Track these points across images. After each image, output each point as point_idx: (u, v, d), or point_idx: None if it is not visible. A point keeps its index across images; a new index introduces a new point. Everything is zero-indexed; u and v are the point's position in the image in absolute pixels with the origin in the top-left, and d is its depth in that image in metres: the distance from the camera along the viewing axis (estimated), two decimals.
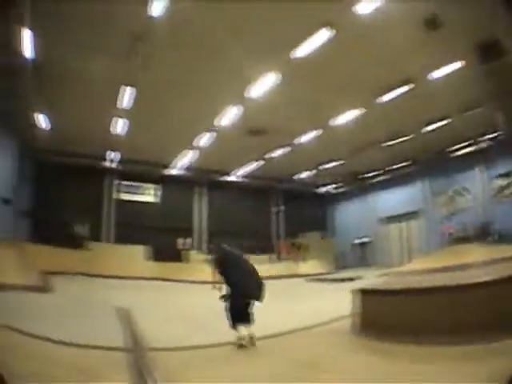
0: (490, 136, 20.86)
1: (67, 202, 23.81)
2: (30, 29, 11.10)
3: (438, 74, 13.93)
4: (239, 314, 6.27)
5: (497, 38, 11.52)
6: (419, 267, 16.62)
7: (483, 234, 21.29)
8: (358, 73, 13.89)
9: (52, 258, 17.54)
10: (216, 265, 6.68)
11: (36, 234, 22.02)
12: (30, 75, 13.25)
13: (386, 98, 15.49)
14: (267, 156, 23.12)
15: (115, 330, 4.69)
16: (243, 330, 6.16)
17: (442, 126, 18.53)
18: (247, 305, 6.39)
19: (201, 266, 20.36)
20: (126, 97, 15.19)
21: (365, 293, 6.39)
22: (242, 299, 6.34)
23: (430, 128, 18.97)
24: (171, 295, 14.53)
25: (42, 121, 17.69)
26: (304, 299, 11.25)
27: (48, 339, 5.91)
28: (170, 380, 4.02)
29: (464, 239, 21.83)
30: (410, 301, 5.59)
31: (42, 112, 16.76)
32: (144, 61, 12.81)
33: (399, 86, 14.82)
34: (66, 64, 13.25)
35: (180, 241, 24.44)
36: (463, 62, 13.21)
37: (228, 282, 6.44)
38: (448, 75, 13.82)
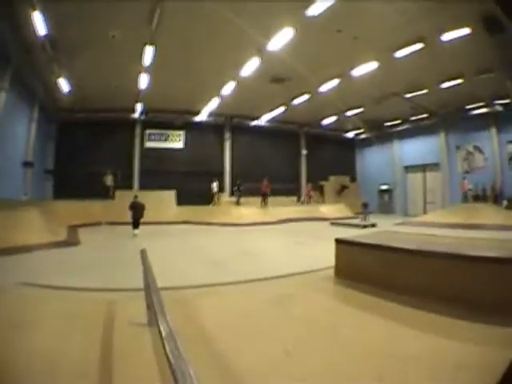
0: (503, 102, 21.84)
1: (95, 156, 25.48)
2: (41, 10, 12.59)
3: (448, 36, 14.74)
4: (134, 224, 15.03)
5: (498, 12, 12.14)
6: (433, 220, 17.28)
7: (497, 196, 22.14)
8: (373, 29, 14.73)
9: (81, 212, 18.55)
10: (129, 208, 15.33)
11: (63, 190, 23.53)
12: (47, 47, 14.97)
13: (402, 53, 16.38)
14: (292, 103, 24.07)
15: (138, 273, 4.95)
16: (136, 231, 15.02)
17: (456, 84, 19.69)
18: (137, 221, 15.26)
19: (231, 209, 21.70)
20: (148, 55, 16.31)
21: (339, 242, 6.78)
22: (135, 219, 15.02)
23: (444, 85, 20.07)
24: (204, 238, 14.90)
25: (63, 84, 19.36)
26: (319, 242, 11.36)
27: (67, 288, 6.49)
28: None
29: (480, 198, 22.92)
30: (381, 256, 5.95)
31: (62, 76, 18.43)
32: (165, 19, 13.79)
33: (412, 44, 15.69)
34: (85, 33, 14.62)
35: (211, 185, 25.05)
36: (471, 30, 14.00)
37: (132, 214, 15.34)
38: (459, 39, 14.61)
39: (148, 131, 27.87)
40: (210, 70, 18.56)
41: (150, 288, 3.76)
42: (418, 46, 15.68)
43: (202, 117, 27.56)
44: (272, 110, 26.56)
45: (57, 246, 11.74)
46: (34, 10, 12.37)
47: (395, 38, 15.25)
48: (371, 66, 17.92)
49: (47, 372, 3.21)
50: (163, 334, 2.36)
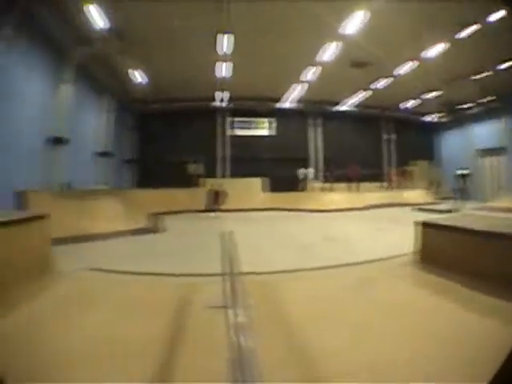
0: None
1: (176, 145, 26.08)
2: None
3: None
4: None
5: None
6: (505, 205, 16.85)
7: None
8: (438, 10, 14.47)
9: (165, 200, 18.84)
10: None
11: (144, 179, 24.47)
12: (113, 39, 15.65)
13: (463, 34, 16.33)
14: (372, 86, 24.09)
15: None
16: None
17: None
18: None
19: (318, 195, 21.71)
20: (224, 43, 16.52)
21: (426, 226, 6.52)
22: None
23: (503, 66, 19.65)
24: (290, 224, 14.91)
25: (138, 75, 20.05)
26: (402, 228, 11.00)
27: (141, 273, 6.51)
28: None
29: None
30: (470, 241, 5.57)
31: (136, 67, 19.15)
32: (236, 7, 13.96)
33: (469, 25, 15.69)
34: (154, 24, 15.16)
35: (299, 171, 24.93)
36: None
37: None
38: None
39: (232, 119, 28.20)
40: (289, 55, 18.52)
41: (229, 271, 3.73)
42: (473, 27, 15.66)
43: (287, 103, 27.57)
44: (354, 94, 26.36)
45: (137, 233, 11.92)
46: (88, 3, 12.88)
47: (461, 17, 15.06)
48: (440, 47, 17.86)
49: (113, 354, 3.27)
50: (236, 317, 2.32)
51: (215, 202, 17.92)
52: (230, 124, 28.24)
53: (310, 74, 21.02)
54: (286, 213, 18.80)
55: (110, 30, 14.68)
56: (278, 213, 19.04)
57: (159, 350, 3.31)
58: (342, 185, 24.03)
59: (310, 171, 25.14)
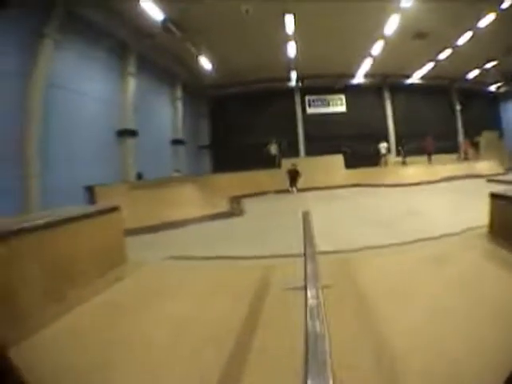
0: None
1: (253, 127, 26.87)
2: None
3: None
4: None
5: None
6: None
7: None
8: None
9: (246, 183, 19.21)
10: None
11: (223, 164, 25.00)
12: (173, 30, 16.19)
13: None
14: (437, 58, 24.25)
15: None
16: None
17: None
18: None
19: (396, 169, 22.01)
20: (289, 23, 16.86)
21: (494, 197, 6.11)
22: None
23: None
24: (370, 199, 14.92)
25: (205, 62, 20.76)
26: (477, 200, 10.08)
27: (221, 257, 6.59)
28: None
29: None
30: None
31: (202, 55, 19.85)
32: None
33: None
34: (215, 11, 15.62)
35: (377, 146, 25.06)
36: None
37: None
38: None
39: (308, 97, 28.47)
40: (355, 29, 18.72)
41: (308, 251, 3.61)
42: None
43: (359, 78, 27.73)
44: (421, 66, 26.46)
45: (216, 218, 11.98)
46: None
47: None
48: (490, 18, 17.88)
49: (174, 335, 3.35)
50: (309, 297, 2.33)
51: (295, 181, 18.57)
52: (305, 102, 28.41)
53: (377, 47, 21.32)
54: (367, 188, 18.71)
55: (167, 21, 15.11)
56: (360, 188, 18.96)
57: (238, 333, 3.30)
58: (417, 158, 24.17)
59: (384, 146, 25.01)
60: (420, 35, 20.06)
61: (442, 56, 23.62)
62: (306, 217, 4.88)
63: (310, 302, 2.24)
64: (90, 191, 12.20)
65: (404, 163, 23.86)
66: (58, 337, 3.37)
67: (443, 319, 3.32)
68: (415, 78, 28.95)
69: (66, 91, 13.12)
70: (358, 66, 25.04)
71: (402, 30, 18.54)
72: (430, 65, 25.60)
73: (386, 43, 20.33)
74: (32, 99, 11.52)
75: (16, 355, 2.28)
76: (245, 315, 3.64)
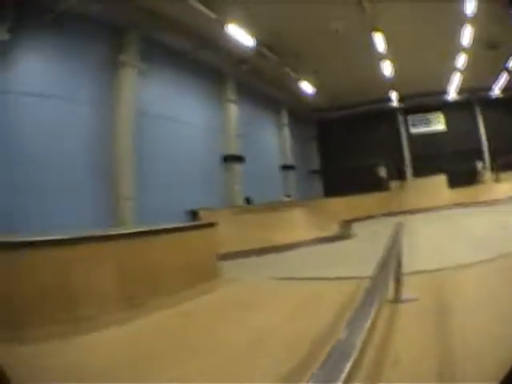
0: None
1: (360, 149, 26.29)
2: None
3: None
4: None
5: None
6: None
7: None
8: None
9: (354, 206, 18.77)
10: None
11: (332, 187, 24.41)
12: (267, 55, 16.37)
13: None
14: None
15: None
16: None
17: None
18: None
19: (492, 186, 21.94)
20: (379, 41, 16.38)
21: None
22: None
23: None
24: (468, 218, 14.33)
25: (306, 86, 20.45)
26: None
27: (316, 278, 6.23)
28: None
29: None
30: None
31: (302, 78, 19.63)
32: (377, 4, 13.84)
33: None
34: (305, 32, 15.47)
35: (474, 163, 24.44)
36: None
37: None
38: None
39: (410, 117, 27.77)
40: (439, 44, 17.91)
41: (398, 266, 3.80)
42: None
43: (449, 95, 26.39)
44: (499, 77, 24.23)
45: (325, 241, 11.84)
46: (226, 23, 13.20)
47: None
48: None
49: (254, 344, 3.27)
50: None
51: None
52: (407, 122, 27.74)
53: (461, 60, 20.14)
54: (468, 208, 18.04)
55: (258, 45, 15.12)
56: (462, 208, 18.34)
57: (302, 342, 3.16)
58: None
59: (480, 163, 24.25)
60: (493, 45, 18.68)
61: None
62: (397, 229, 4.84)
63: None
64: (194, 215, 12.54)
65: (498, 180, 23.01)
66: (114, 338, 3.57)
67: None
68: (497, 90, 26.59)
69: (161, 119, 13.66)
70: (449, 81, 23.84)
71: (476, 41, 17.49)
72: (505, 75, 23.51)
73: (467, 55, 19.24)
74: (120, 126, 11.92)
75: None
76: (318, 327, 3.48)
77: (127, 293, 4.44)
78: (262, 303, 4.59)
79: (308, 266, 7.91)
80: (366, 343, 1.48)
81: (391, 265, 3.34)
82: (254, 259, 9.56)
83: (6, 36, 9.05)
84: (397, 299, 3.93)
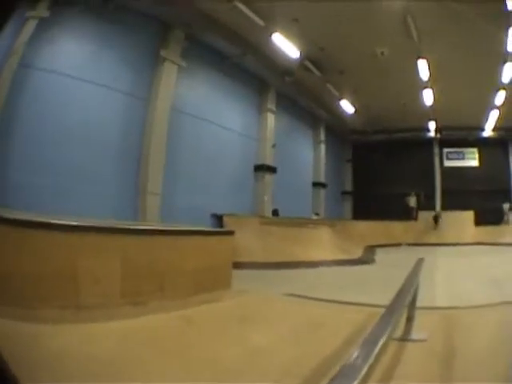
0: None
1: (393, 176, 26.08)
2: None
3: None
4: None
5: None
6: None
7: None
8: None
9: (380, 232, 18.80)
10: None
11: (362, 211, 24.55)
12: (312, 69, 16.35)
13: None
14: None
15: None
16: None
17: None
18: None
19: None
20: (422, 69, 16.30)
21: None
22: None
23: None
24: (488, 258, 13.82)
25: (346, 105, 20.35)
26: None
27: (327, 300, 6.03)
28: None
29: None
30: None
31: (344, 97, 19.57)
32: (424, 33, 13.78)
33: None
34: (351, 52, 15.52)
35: (504, 205, 23.69)
36: None
37: None
38: None
39: (446, 150, 27.47)
40: (481, 79, 17.59)
41: (413, 302, 3.72)
42: None
43: (487, 132, 25.95)
44: None
45: (347, 264, 11.81)
46: (273, 32, 13.21)
47: None
48: None
49: (244, 362, 3.16)
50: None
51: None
52: (442, 155, 27.38)
53: (498, 98, 19.71)
54: (491, 247, 17.58)
55: (303, 58, 15.13)
56: (484, 247, 17.91)
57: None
58: None
59: (507, 205, 23.57)
60: None
61: None
62: (416, 265, 4.68)
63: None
64: (218, 219, 12.43)
65: None
66: (106, 332, 3.57)
67: None
68: None
69: (196, 119, 13.60)
70: (487, 118, 23.19)
71: None
72: None
73: (508, 93, 18.68)
74: (154, 122, 11.84)
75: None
76: (311, 354, 3.36)
77: (131, 289, 4.41)
78: (265, 320, 4.52)
79: (324, 287, 7.80)
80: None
81: (405, 301, 3.18)
82: (272, 272, 9.47)
83: (46, 13, 8.85)
84: (405, 337, 3.75)
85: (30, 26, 8.56)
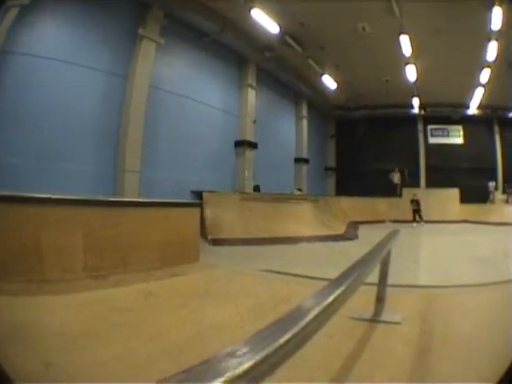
0: None
1: (377, 153, 26.01)
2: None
3: None
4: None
5: None
6: None
7: None
8: None
9: (364, 209, 18.83)
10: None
11: (345, 188, 24.31)
12: (292, 45, 16.16)
13: None
14: None
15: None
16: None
17: None
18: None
19: (501, 207, 21.23)
20: (404, 45, 16.23)
21: None
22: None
23: None
24: (472, 236, 14.16)
25: (328, 81, 20.26)
26: None
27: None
28: None
29: None
30: None
31: (325, 73, 19.46)
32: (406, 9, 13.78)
33: None
34: (332, 27, 15.35)
35: (488, 183, 24.16)
36: None
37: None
38: None
39: (430, 127, 27.39)
40: (463, 56, 17.64)
41: (383, 279, 3.62)
42: None
43: (470, 109, 25.96)
44: None
45: (328, 240, 11.65)
46: (252, 8, 13.07)
47: None
48: None
49: (187, 339, 3.07)
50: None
51: (416, 213, 18.30)
52: (427, 132, 27.39)
53: (483, 76, 19.84)
54: (476, 225, 18.18)
55: (283, 34, 14.94)
56: (469, 225, 18.61)
57: None
58: None
59: (492, 183, 23.99)
60: None
61: None
62: (388, 238, 4.23)
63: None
64: (198, 196, 12.27)
65: (508, 201, 22.83)
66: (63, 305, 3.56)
67: None
68: None
69: (176, 96, 13.49)
70: (472, 95, 23.22)
71: (501, 58, 17.14)
72: None
73: (490, 72, 18.84)
74: (133, 99, 11.69)
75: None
76: None
77: (93, 263, 4.31)
78: (228, 295, 4.44)
79: (302, 263, 7.67)
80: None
81: (361, 275, 2.69)
82: (252, 248, 9.35)
83: (26, 0, 8.86)
84: (376, 318, 3.52)
85: (11, 14, 8.54)
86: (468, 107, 25.34)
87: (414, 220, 18.05)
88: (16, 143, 8.80)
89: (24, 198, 4.17)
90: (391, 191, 21.94)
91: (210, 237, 9.57)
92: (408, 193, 20.38)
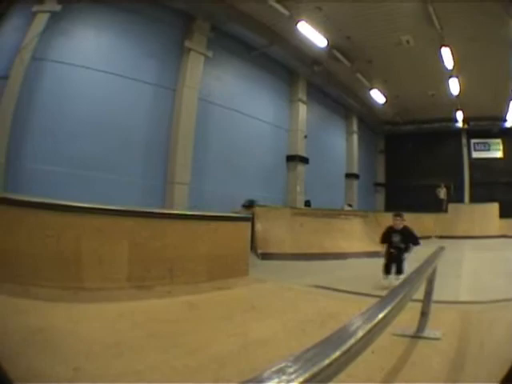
0: None
1: (424, 168, 25.61)
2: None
3: None
4: None
5: None
6: None
7: None
8: None
9: (411, 224, 17.81)
10: None
11: (394, 203, 23.70)
12: (340, 58, 15.92)
13: None
14: None
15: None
16: None
17: None
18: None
19: None
20: (446, 58, 15.80)
21: None
22: None
23: None
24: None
25: (377, 96, 19.93)
26: None
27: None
28: None
29: None
30: None
31: (374, 88, 19.16)
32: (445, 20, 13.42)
33: None
34: (376, 40, 15.10)
35: None
36: None
37: None
38: None
39: (473, 140, 26.68)
40: (500, 68, 16.93)
41: (428, 296, 3.55)
42: None
43: (510, 122, 24.95)
44: None
45: (375, 256, 11.07)
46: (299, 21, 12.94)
47: None
48: None
49: (229, 354, 2.93)
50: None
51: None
52: (470, 146, 26.60)
53: None
54: None
55: (331, 48, 14.79)
56: (510, 240, 17.24)
57: None
58: None
59: None
60: None
61: None
62: (432, 257, 3.97)
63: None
64: (248, 209, 12.16)
65: None
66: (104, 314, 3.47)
67: None
68: None
69: (228, 109, 13.54)
70: (507, 107, 22.29)
71: None
72: None
73: None
74: (182, 112, 11.70)
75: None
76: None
77: (138, 273, 4.27)
78: (274, 310, 4.30)
79: (350, 278, 7.43)
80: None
81: (410, 292, 2.64)
82: (301, 263, 9.20)
83: (56, 7, 8.78)
84: (418, 334, 3.46)
85: (41, 20, 8.58)
86: (505, 120, 24.64)
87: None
88: (60, 153, 8.96)
89: (64, 206, 4.18)
90: (438, 206, 21.44)
91: (259, 251, 9.46)
92: (453, 208, 20.17)
